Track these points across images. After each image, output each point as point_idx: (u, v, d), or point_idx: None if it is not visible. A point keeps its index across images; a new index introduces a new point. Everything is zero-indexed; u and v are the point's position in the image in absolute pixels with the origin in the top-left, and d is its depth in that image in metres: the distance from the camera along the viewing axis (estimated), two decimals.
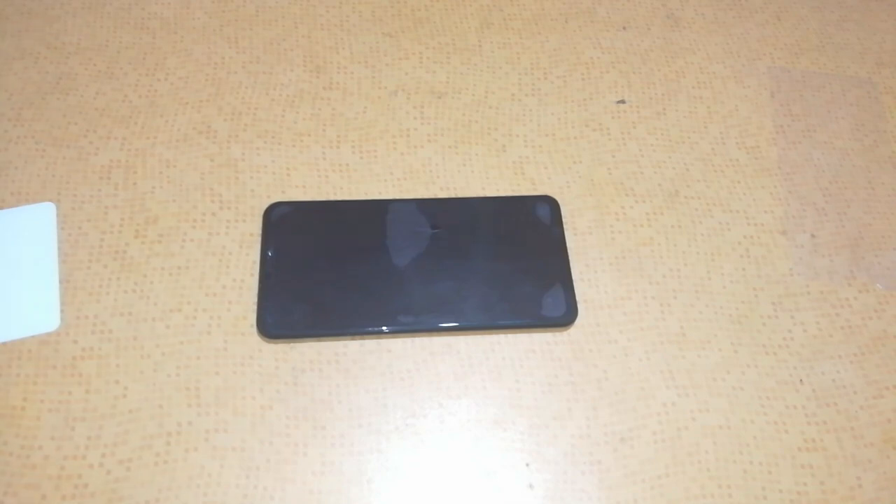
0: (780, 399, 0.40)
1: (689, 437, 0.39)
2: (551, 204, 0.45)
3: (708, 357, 0.41)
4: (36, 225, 0.42)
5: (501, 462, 0.38)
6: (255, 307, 0.41)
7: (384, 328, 0.40)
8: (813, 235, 0.45)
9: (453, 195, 0.45)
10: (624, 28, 0.54)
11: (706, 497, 0.38)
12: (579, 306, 0.42)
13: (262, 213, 0.44)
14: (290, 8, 0.52)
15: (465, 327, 0.40)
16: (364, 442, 0.38)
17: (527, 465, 0.38)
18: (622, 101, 0.50)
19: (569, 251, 0.44)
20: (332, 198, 0.45)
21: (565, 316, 0.41)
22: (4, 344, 0.39)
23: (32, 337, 0.39)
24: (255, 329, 0.40)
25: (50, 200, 0.43)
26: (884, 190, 0.48)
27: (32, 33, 0.49)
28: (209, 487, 0.36)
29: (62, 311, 0.40)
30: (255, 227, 0.43)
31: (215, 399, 0.38)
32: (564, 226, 0.45)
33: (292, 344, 0.40)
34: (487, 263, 0.42)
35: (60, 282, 0.41)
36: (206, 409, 0.38)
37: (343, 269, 0.41)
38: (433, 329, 0.40)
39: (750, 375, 0.41)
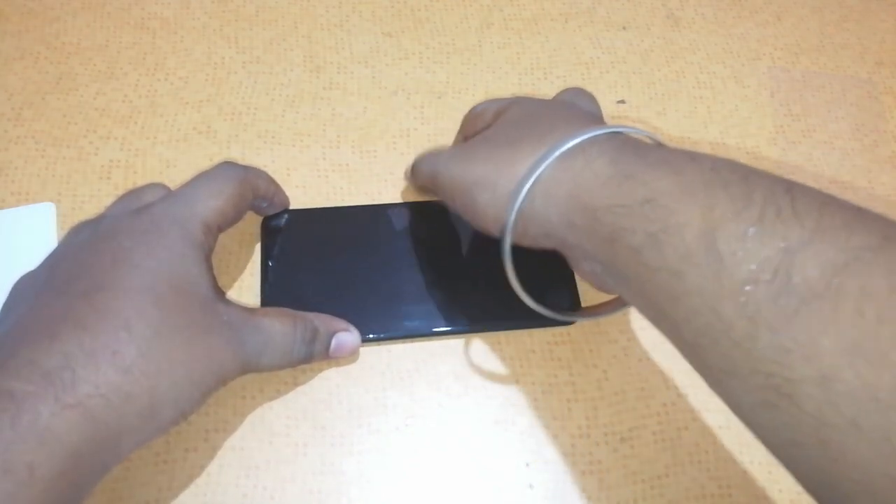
0: None
1: (689, 437, 0.39)
2: None
3: None
4: (36, 225, 0.42)
5: (501, 462, 0.38)
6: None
7: (384, 334, 0.40)
8: None
9: None
10: (624, 28, 0.54)
11: (706, 497, 0.38)
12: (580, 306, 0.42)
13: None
14: (290, 8, 0.52)
15: (466, 328, 0.40)
16: (364, 442, 0.38)
17: (527, 465, 0.38)
18: (622, 102, 0.50)
19: None
20: (332, 198, 0.45)
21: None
22: None
23: None
24: None
25: (50, 200, 0.43)
26: (884, 190, 0.48)
27: (32, 33, 0.49)
28: (208, 487, 0.36)
29: None
30: (255, 227, 0.43)
31: (215, 399, 0.38)
32: None
33: None
34: (488, 264, 0.42)
35: None
36: (205, 409, 0.38)
37: (343, 275, 0.41)
38: (433, 333, 0.40)
39: None
